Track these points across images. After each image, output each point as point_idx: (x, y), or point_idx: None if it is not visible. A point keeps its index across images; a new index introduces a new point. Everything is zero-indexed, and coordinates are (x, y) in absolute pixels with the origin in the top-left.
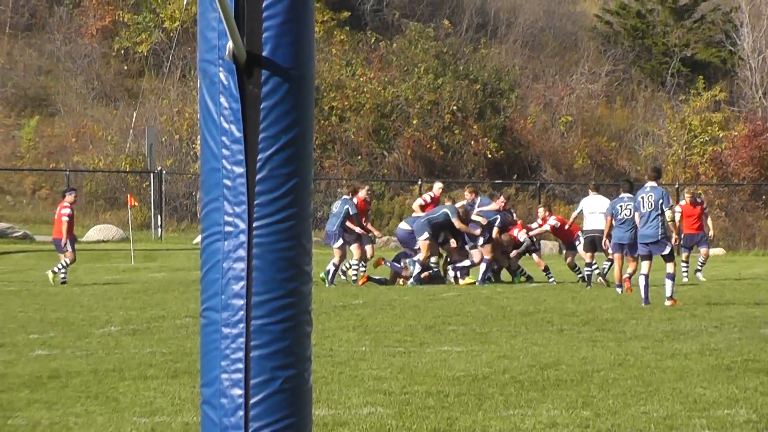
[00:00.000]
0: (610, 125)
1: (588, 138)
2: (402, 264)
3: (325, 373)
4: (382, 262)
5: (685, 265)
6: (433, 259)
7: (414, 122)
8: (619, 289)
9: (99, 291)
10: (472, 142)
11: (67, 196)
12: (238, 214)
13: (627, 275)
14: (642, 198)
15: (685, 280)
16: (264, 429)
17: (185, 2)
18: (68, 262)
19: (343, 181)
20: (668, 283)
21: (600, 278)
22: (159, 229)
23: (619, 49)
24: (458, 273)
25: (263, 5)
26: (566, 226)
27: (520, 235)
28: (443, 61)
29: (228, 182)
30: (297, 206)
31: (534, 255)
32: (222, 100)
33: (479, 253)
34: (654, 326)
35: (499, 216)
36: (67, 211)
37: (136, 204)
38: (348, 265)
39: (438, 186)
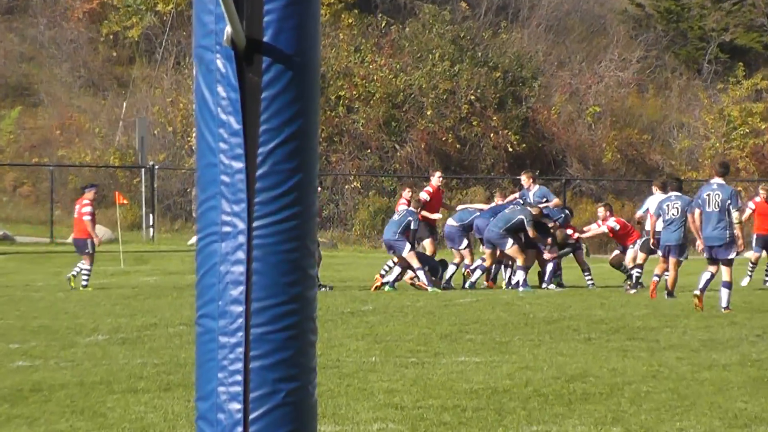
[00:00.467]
0: (642, 116)
1: (617, 130)
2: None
3: (332, 385)
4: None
5: (751, 267)
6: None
7: (428, 113)
8: (669, 298)
9: (85, 296)
10: (492, 135)
11: (86, 192)
12: (236, 213)
13: (656, 277)
14: (708, 196)
15: (746, 281)
16: None
17: None
18: (87, 264)
19: (352, 177)
20: (725, 292)
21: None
22: (151, 230)
23: (651, 33)
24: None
25: None
26: (627, 229)
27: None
28: (460, 47)
29: (226, 178)
30: (301, 204)
31: (577, 253)
32: (219, 89)
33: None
34: (690, 335)
35: (563, 214)
36: (89, 209)
37: (126, 202)
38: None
39: (437, 176)
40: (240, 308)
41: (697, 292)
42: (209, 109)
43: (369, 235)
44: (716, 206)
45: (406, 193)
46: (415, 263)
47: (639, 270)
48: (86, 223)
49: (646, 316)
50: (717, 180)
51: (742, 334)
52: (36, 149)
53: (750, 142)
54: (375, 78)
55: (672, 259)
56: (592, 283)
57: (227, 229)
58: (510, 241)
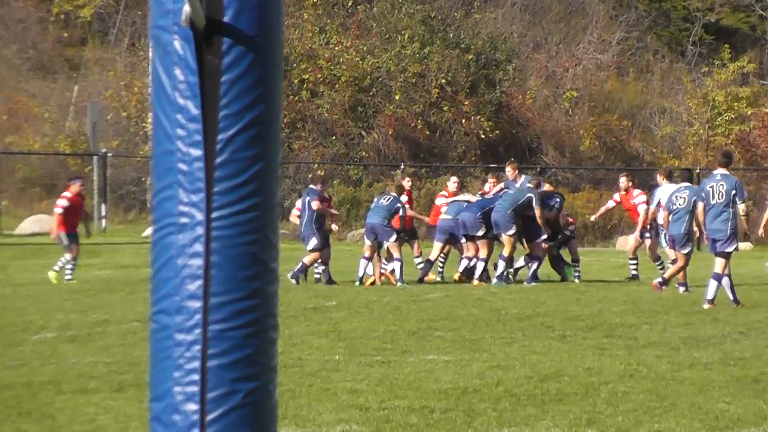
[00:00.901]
0: (622, 101)
1: (596, 116)
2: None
3: (293, 385)
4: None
5: None
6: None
7: (396, 98)
8: (682, 288)
9: (34, 291)
10: (463, 121)
11: (71, 184)
12: (194, 203)
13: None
14: (711, 187)
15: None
16: None
17: None
18: (70, 257)
19: (315, 166)
20: (713, 284)
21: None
22: (103, 221)
23: (632, 13)
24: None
25: None
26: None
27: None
28: (430, 28)
29: (183, 167)
30: (262, 194)
31: (571, 243)
32: (177, 72)
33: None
34: (670, 332)
35: (558, 198)
36: (63, 202)
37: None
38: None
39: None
40: (197, 304)
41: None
42: (166, 93)
43: None
44: (720, 197)
45: (407, 183)
46: (397, 254)
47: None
48: (54, 215)
49: (625, 313)
50: (720, 171)
51: (725, 331)
52: None
53: (736, 129)
54: (341, 60)
55: (677, 252)
56: (579, 276)
57: (184, 220)
58: (513, 227)
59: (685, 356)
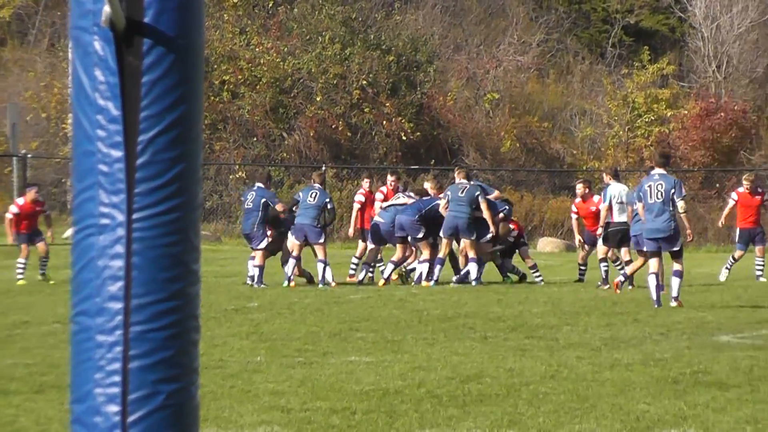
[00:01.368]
0: (542, 103)
1: (517, 118)
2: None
3: (215, 387)
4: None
5: (731, 263)
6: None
7: (318, 99)
8: (629, 285)
9: None
10: (384, 122)
11: (27, 192)
12: (115, 205)
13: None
14: (650, 187)
15: (724, 276)
16: None
17: None
18: (42, 256)
19: (237, 167)
20: (676, 281)
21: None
22: None
23: (552, 15)
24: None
25: None
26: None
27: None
28: (351, 29)
29: (104, 168)
30: (183, 195)
31: (523, 251)
32: (97, 73)
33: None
34: (591, 333)
35: (507, 206)
36: (13, 209)
37: None
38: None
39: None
40: (119, 305)
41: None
42: (86, 94)
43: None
44: (659, 197)
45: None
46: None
47: (605, 263)
48: (5, 219)
49: (545, 314)
50: (658, 170)
51: (645, 332)
52: None
53: (655, 130)
54: (261, 62)
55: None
56: (541, 279)
57: (105, 221)
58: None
59: (606, 357)
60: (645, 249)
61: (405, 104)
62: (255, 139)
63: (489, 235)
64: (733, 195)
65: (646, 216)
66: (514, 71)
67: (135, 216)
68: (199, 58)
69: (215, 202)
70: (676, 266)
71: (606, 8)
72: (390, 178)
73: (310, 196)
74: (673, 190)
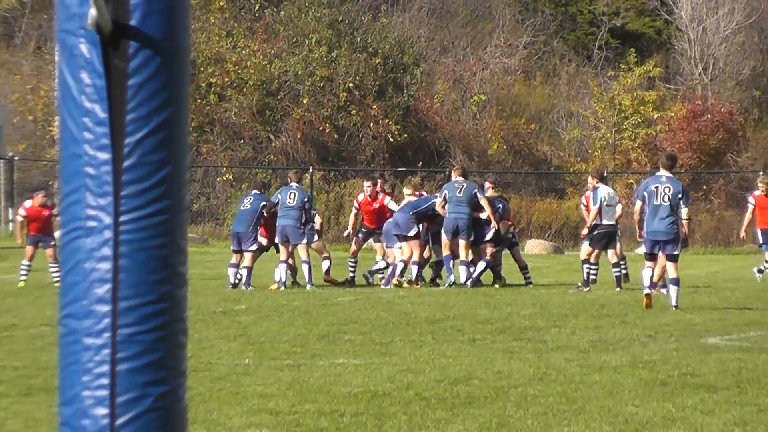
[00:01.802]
0: (529, 105)
1: (504, 120)
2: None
3: (203, 389)
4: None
5: (764, 266)
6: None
7: (304, 101)
8: (664, 290)
9: None
10: (371, 125)
11: (34, 196)
12: (102, 207)
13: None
14: (656, 188)
15: (759, 277)
16: None
17: None
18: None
19: (224, 169)
20: (674, 289)
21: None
22: (10, 225)
23: (539, 18)
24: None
25: None
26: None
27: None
28: (338, 32)
29: (91, 170)
30: (170, 198)
31: (513, 250)
32: (84, 75)
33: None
34: (579, 335)
35: (501, 204)
36: (22, 212)
37: None
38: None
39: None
40: (106, 308)
41: (647, 291)
42: (73, 96)
43: None
44: (666, 200)
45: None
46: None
47: (588, 266)
48: (16, 222)
49: (533, 316)
50: (665, 173)
51: (633, 334)
52: None
53: (642, 133)
54: (248, 64)
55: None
56: (530, 282)
57: (92, 224)
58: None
59: (594, 359)
60: (643, 249)
61: (392, 106)
62: (242, 141)
63: (490, 234)
64: (750, 199)
65: (649, 216)
66: (500, 73)
67: (122, 218)
68: (185, 61)
69: (202, 205)
70: (673, 274)
71: (592, 11)
72: (366, 184)
73: (289, 197)
74: (680, 195)
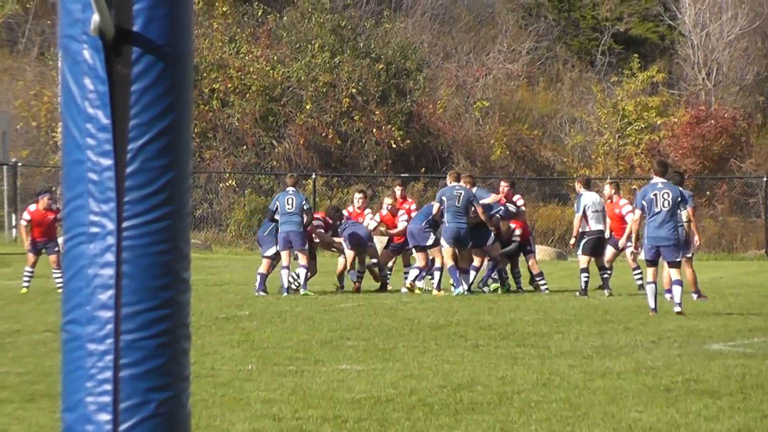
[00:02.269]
0: (532, 111)
1: (507, 125)
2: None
3: (206, 395)
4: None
5: None
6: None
7: (307, 107)
8: (695, 296)
9: None
10: (374, 130)
11: (39, 199)
12: (105, 213)
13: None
14: (655, 195)
15: None
16: None
17: None
18: (54, 267)
19: (227, 175)
20: (678, 290)
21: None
22: (14, 230)
23: (542, 23)
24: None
25: None
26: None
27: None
28: (341, 37)
29: (94, 176)
30: (173, 204)
31: (528, 257)
32: (87, 81)
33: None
34: (582, 341)
35: (501, 207)
36: (26, 216)
37: None
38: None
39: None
40: (109, 314)
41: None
42: (76, 102)
43: (245, 236)
44: (666, 205)
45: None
46: (304, 261)
47: (585, 275)
48: (20, 227)
49: (537, 322)
50: (660, 179)
51: (637, 340)
52: None
53: (645, 138)
54: (251, 70)
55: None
56: (546, 288)
57: (95, 229)
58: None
59: (598, 365)
60: (644, 256)
61: (395, 112)
62: (245, 147)
63: (492, 237)
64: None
65: (649, 223)
66: (503, 79)
67: (125, 224)
68: (188, 67)
69: (205, 211)
70: (675, 276)
71: (595, 16)
72: (357, 196)
73: (287, 203)
74: (680, 199)
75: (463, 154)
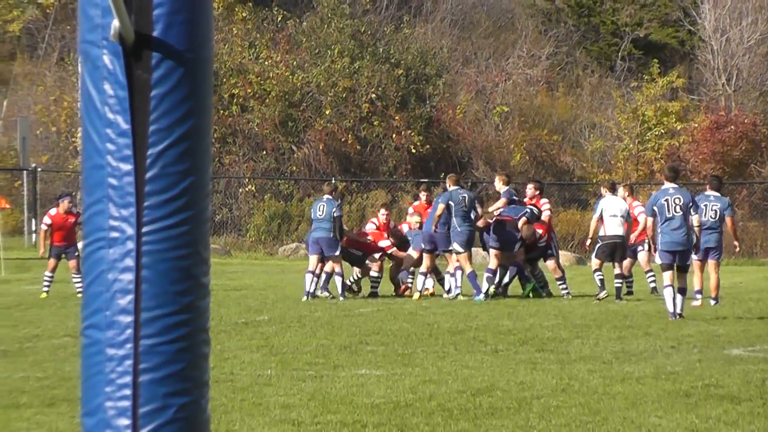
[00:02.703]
0: (552, 116)
1: (526, 131)
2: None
3: (225, 400)
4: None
5: None
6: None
7: (327, 112)
8: (713, 302)
9: None
10: (394, 135)
11: (60, 202)
12: (125, 218)
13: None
14: (666, 201)
15: None
16: None
17: None
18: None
19: (246, 180)
20: (680, 298)
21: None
22: (33, 235)
23: (561, 28)
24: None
25: None
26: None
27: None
28: (360, 43)
29: (113, 181)
30: (193, 209)
31: (549, 261)
32: (106, 86)
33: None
34: (602, 346)
35: (528, 209)
36: (47, 220)
37: (8, 206)
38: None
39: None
40: (129, 318)
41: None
42: (96, 107)
43: (264, 241)
44: (677, 210)
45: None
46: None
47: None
48: (40, 231)
49: (556, 327)
50: (671, 185)
51: (657, 345)
52: None
53: (665, 143)
54: (270, 75)
55: (711, 262)
56: (568, 293)
57: (115, 234)
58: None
59: (617, 370)
60: (659, 261)
61: (414, 117)
62: (264, 152)
63: (519, 243)
64: None
65: (664, 229)
66: (523, 84)
67: (145, 229)
68: (208, 72)
69: (225, 216)
70: (681, 284)
71: (615, 21)
72: (382, 212)
73: (319, 210)
74: (690, 204)
75: (482, 160)
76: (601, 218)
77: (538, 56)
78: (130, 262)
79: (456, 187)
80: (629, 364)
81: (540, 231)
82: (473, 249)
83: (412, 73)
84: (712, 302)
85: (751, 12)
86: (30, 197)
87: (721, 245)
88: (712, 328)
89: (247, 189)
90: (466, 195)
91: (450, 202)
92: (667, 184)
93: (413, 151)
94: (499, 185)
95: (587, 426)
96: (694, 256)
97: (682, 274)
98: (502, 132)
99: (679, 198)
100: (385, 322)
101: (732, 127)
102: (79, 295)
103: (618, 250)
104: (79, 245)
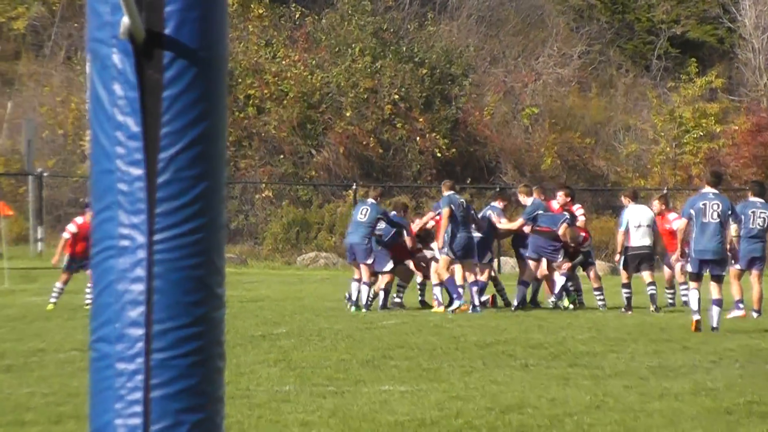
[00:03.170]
0: (584, 118)
1: (557, 133)
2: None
3: (241, 417)
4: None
5: None
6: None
7: (347, 114)
8: (755, 314)
9: None
10: (418, 138)
11: (87, 211)
12: (135, 225)
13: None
14: (704, 205)
15: None
16: None
17: None
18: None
19: (263, 185)
20: (716, 310)
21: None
22: (39, 244)
23: (594, 26)
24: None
25: None
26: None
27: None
28: (382, 41)
29: (123, 187)
30: (207, 216)
31: (588, 269)
32: (116, 87)
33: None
34: (638, 361)
35: (568, 215)
36: (72, 228)
37: (11, 213)
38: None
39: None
40: (139, 331)
41: (697, 317)
42: (105, 109)
43: (282, 249)
44: (714, 217)
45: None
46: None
47: (627, 290)
48: (61, 239)
49: (590, 340)
50: (711, 190)
51: (695, 360)
52: None
53: (704, 147)
54: (288, 75)
55: (755, 272)
56: (603, 304)
57: (125, 243)
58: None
59: (654, 386)
60: (689, 268)
61: (439, 119)
62: (282, 156)
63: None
64: None
65: (697, 235)
66: (554, 84)
67: (156, 237)
68: (222, 72)
69: (240, 223)
70: (716, 295)
71: (651, 18)
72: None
73: (361, 213)
74: (730, 212)
75: (511, 164)
76: (627, 230)
77: (569, 55)
78: (140, 271)
79: (451, 192)
80: (667, 379)
81: (583, 234)
82: (502, 258)
83: (436, 73)
84: (755, 314)
85: None
86: (35, 204)
87: (765, 255)
88: (754, 342)
89: (263, 195)
90: (463, 200)
91: (454, 209)
92: (707, 189)
93: (438, 154)
94: (522, 198)
95: None
96: (735, 266)
97: (717, 285)
98: (532, 135)
99: (717, 204)
100: (409, 335)
101: None
102: (88, 306)
103: (645, 260)
104: None
